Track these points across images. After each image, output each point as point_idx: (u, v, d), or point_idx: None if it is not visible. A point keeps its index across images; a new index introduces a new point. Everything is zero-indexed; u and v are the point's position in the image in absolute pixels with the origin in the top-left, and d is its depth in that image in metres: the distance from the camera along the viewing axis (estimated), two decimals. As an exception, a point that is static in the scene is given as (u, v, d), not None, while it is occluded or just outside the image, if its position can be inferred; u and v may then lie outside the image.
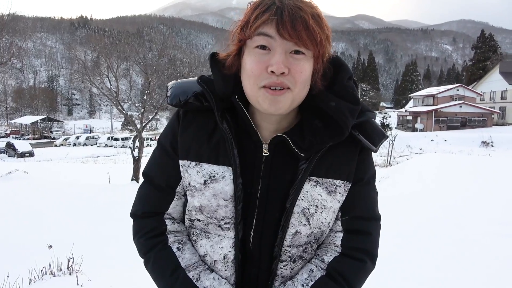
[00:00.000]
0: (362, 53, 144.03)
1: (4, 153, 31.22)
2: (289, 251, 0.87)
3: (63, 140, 42.26)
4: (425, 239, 4.50)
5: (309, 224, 0.86)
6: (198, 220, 0.89)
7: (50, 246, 4.01)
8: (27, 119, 59.40)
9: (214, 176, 0.85)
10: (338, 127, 0.82)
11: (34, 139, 51.39)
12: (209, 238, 0.89)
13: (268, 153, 0.86)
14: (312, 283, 0.86)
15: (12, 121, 66.49)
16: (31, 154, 29.14)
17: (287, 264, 0.88)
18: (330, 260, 0.89)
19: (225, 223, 0.86)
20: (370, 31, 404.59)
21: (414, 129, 41.72)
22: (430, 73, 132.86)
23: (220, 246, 0.87)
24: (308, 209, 0.85)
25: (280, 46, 0.76)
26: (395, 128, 42.74)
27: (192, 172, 0.87)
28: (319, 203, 0.86)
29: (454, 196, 6.08)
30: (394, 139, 19.25)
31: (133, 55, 13.85)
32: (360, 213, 0.92)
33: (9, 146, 31.19)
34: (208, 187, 0.85)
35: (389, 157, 18.79)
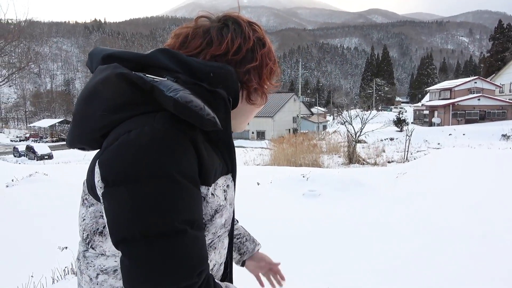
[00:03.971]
0: (376, 48, 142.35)
1: (24, 156, 32.03)
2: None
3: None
4: (446, 235, 4.42)
5: None
6: (218, 236, 0.87)
7: (65, 248, 4.11)
8: (45, 122, 60.71)
9: (224, 188, 0.85)
10: None
11: (53, 141, 52.46)
12: (215, 248, 0.87)
13: None
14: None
15: (31, 125, 68.17)
16: (50, 157, 29.79)
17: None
18: None
19: (230, 224, 0.92)
20: (384, 25, 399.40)
21: (431, 124, 41.09)
22: (446, 66, 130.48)
23: (224, 247, 0.92)
24: None
25: None
26: (412, 123, 42.12)
27: (219, 193, 0.82)
28: None
29: (475, 192, 5.94)
30: (410, 134, 18.98)
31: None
32: None
33: (29, 149, 31.94)
34: (226, 199, 0.85)
35: (406, 153, 18.53)
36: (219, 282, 0.81)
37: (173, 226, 0.67)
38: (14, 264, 3.85)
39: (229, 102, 0.79)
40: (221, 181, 0.83)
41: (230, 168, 0.88)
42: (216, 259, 0.88)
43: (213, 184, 0.79)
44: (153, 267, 0.65)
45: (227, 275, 1.00)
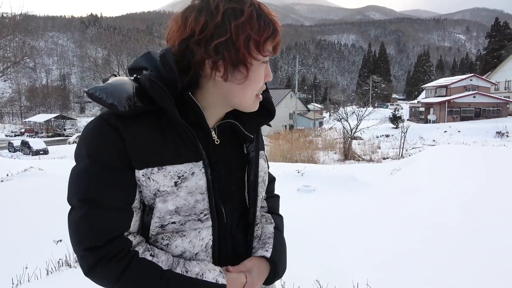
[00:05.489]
0: (373, 45, 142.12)
1: (19, 151, 31.85)
2: (257, 214, 1.04)
3: (76, 138, 42.89)
4: (439, 231, 4.46)
5: (265, 186, 1.07)
6: (173, 222, 0.86)
7: (60, 240, 4.15)
8: (41, 117, 60.36)
9: (182, 175, 0.84)
10: (268, 111, 1.01)
11: (48, 137, 52.23)
12: (184, 236, 0.88)
13: (219, 141, 0.96)
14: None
15: (26, 120, 67.74)
16: (45, 152, 29.64)
17: (258, 225, 1.06)
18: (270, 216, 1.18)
19: (204, 215, 0.88)
20: (381, 22, 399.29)
21: (426, 121, 41.22)
22: (443, 63, 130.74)
23: (200, 238, 0.89)
24: (263, 177, 1.05)
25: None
26: (407, 120, 42.23)
27: (159, 178, 0.83)
28: (265, 169, 1.07)
29: (470, 188, 6.00)
30: (406, 131, 19.06)
31: (143, 52, 14.00)
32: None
33: (24, 144, 31.76)
34: (181, 187, 0.84)
35: (401, 149, 18.62)
36: (155, 263, 0.83)
37: (73, 202, 0.83)
38: (9, 257, 3.86)
39: (154, 83, 0.81)
40: (175, 168, 0.84)
41: (198, 156, 0.86)
42: (185, 247, 0.88)
43: (149, 169, 0.82)
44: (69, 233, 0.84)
45: None
